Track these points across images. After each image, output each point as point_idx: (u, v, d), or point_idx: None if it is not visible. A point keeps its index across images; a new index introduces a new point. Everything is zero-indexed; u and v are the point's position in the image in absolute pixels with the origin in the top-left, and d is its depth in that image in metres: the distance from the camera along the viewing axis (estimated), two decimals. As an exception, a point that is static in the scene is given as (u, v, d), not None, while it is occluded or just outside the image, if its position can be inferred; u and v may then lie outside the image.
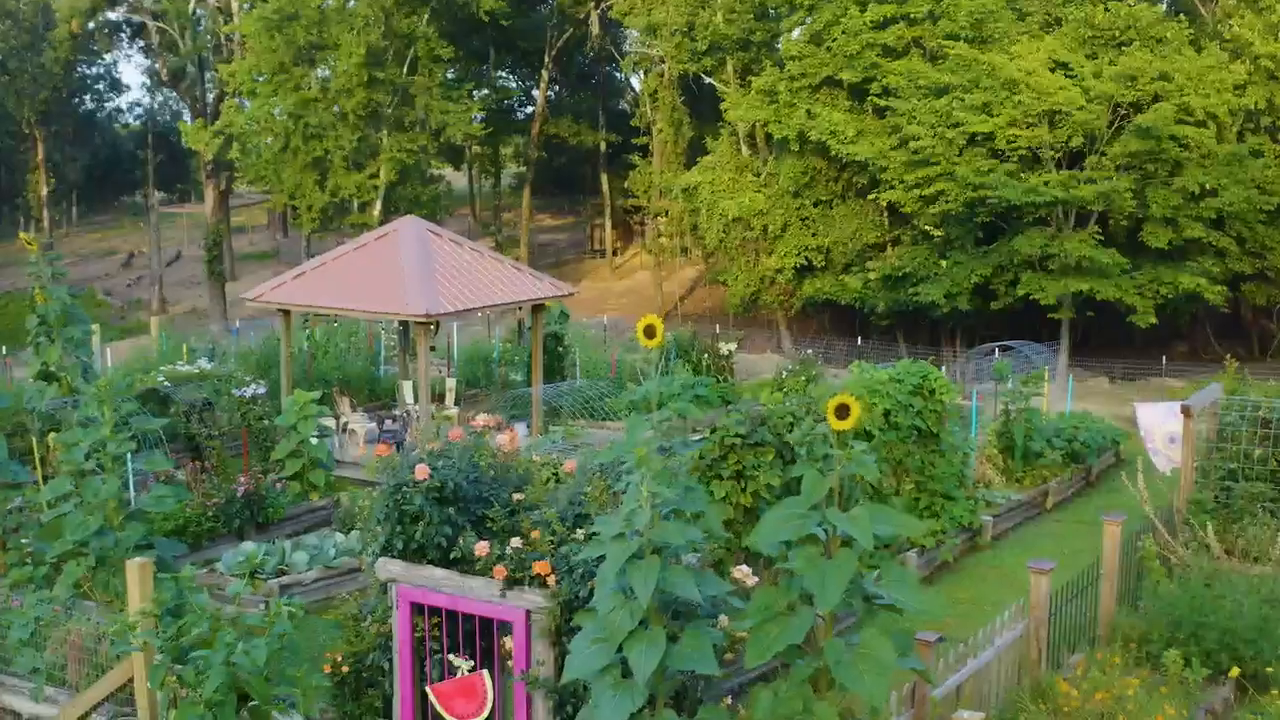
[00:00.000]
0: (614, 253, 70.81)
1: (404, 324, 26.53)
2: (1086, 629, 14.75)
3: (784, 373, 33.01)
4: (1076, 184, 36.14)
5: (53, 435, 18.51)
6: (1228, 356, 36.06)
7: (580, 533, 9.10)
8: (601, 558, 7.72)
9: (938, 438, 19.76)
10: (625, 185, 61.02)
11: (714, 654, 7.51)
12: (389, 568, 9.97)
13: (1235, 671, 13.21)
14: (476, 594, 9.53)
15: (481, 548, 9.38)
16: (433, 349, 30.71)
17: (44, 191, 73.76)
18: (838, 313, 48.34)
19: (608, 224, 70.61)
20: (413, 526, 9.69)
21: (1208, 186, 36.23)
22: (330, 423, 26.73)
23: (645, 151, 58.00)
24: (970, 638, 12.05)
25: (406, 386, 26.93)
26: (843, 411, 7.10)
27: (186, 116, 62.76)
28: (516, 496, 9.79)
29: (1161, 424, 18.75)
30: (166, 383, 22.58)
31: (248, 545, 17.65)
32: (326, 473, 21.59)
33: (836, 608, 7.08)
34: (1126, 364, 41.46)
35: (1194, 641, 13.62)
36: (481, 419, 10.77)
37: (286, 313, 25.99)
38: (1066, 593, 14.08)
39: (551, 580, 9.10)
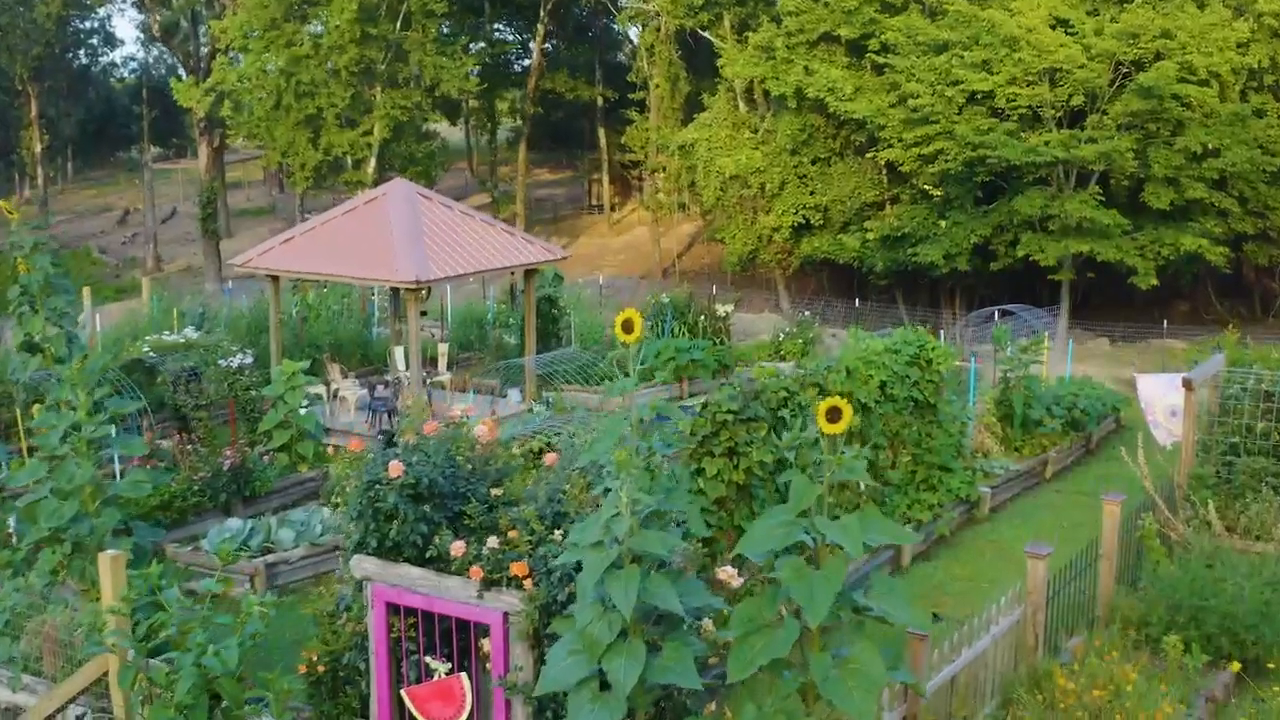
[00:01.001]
0: (612, 208, 70.37)
1: (395, 289, 26.17)
2: (1085, 609, 14.48)
3: (781, 335, 32.75)
4: (1077, 144, 35.68)
5: (36, 407, 18.24)
6: (1230, 324, 35.93)
7: (559, 533, 8.78)
8: (580, 562, 7.43)
9: (935, 408, 19.47)
10: (623, 141, 60.56)
11: (696, 666, 7.22)
12: (363, 565, 9.66)
13: (1236, 666, 12.97)
14: (453, 594, 9.22)
15: (457, 547, 9.07)
16: (424, 313, 30.37)
17: (38, 149, 73.14)
18: (836, 272, 47.97)
19: (605, 179, 70.16)
20: (387, 525, 9.37)
21: (1210, 146, 35.75)
22: (321, 390, 26.46)
23: (642, 107, 57.49)
24: (965, 624, 11.76)
25: (398, 352, 26.59)
26: (833, 415, 6.78)
27: (181, 72, 62.08)
28: (495, 492, 9.46)
29: (1162, 396, 18.44)
30: (152, 353, 22.21)
31: (233, 522, 17.35)
32: (315, 443, 21.29)
33: (825, 620, 6.78)
34: (1127, 324, 41.13)
35: (1194, 625, 13.37)
36: (458, 409, 10.42)
37: (275, 278, 25.64)
38: (1065, 575, 13.78)
39: (529, 584, 8.79)
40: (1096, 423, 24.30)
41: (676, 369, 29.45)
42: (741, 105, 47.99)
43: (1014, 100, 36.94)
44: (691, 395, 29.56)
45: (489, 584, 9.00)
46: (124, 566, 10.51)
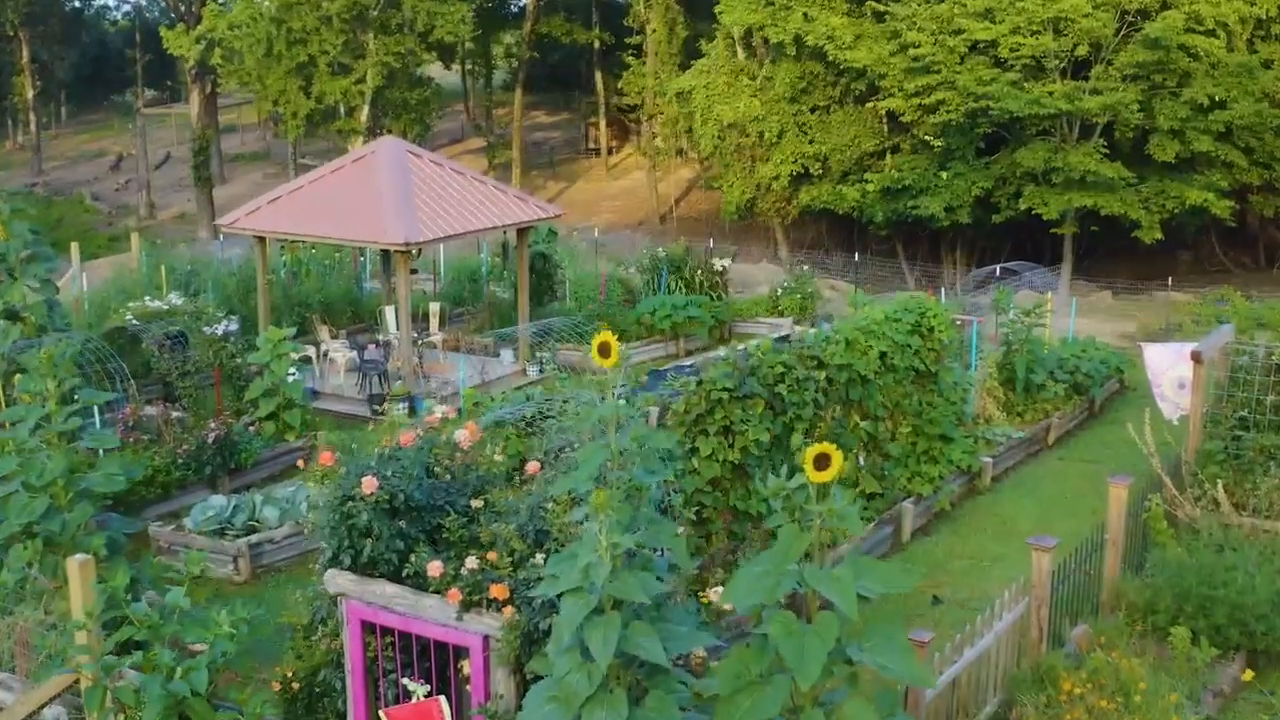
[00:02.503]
0: (609, 151, 69.65)
1: (385, 250, 25.67)
2: (1090, 594, 14.09)
3: (780, 290, 32.22)
4: (1081, 95, 34.98)
5: (18, 377, 17.82)
6: (1234, 275, 35.44)
7: (541, 556, 8.33)
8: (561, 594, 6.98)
9: (936, 376, 19.01)
10: (620, 86, 59.76)
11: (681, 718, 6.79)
12: (337, 580, 9.21)
13: (1248, 675, 12.59)
14: (431, 614, 8.79)
15: (435, 568, 8.62)
16: (414, 271, 29.87)
17: (29, 95, 72.21)
18: (835, 221, 47.34)
19: (602, 123, 69.41)
20: (361, 541, 8.92)
21: (1217, 98, 35.06)
22: (310, 352, 26.03)
23: (639, 52, 56.67)
24: (967, 625, 11.36)
25: (389, 312, 26.13)
26: (822, 462, 6.31)
27: (172, 18, 61.18)
28: (475, 503, 9.01)
29: (1170, 368, 17.96)
30: (135, 320, 21.73)
31: (217, 499, 16.93)
32: (303, 410, 20.83)
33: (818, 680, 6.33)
34: (1129, 275, 40.62)
35: (1202, 615, 12.96)
36: (439, 411, 9.94)
37: (262, 239, 25.13)
38: (1070, 563, 13.38)
39: (509, 611, 8.35)
40: (1100, 385, 23.86)
41: (673, 326, 29.01)
42: (740, 52, 47.13)
43: (1017, 50, 36.20)
44: (688, 353, 29.15)
45: (468, 606, 8.57)
46: (93, 572, 10.13)
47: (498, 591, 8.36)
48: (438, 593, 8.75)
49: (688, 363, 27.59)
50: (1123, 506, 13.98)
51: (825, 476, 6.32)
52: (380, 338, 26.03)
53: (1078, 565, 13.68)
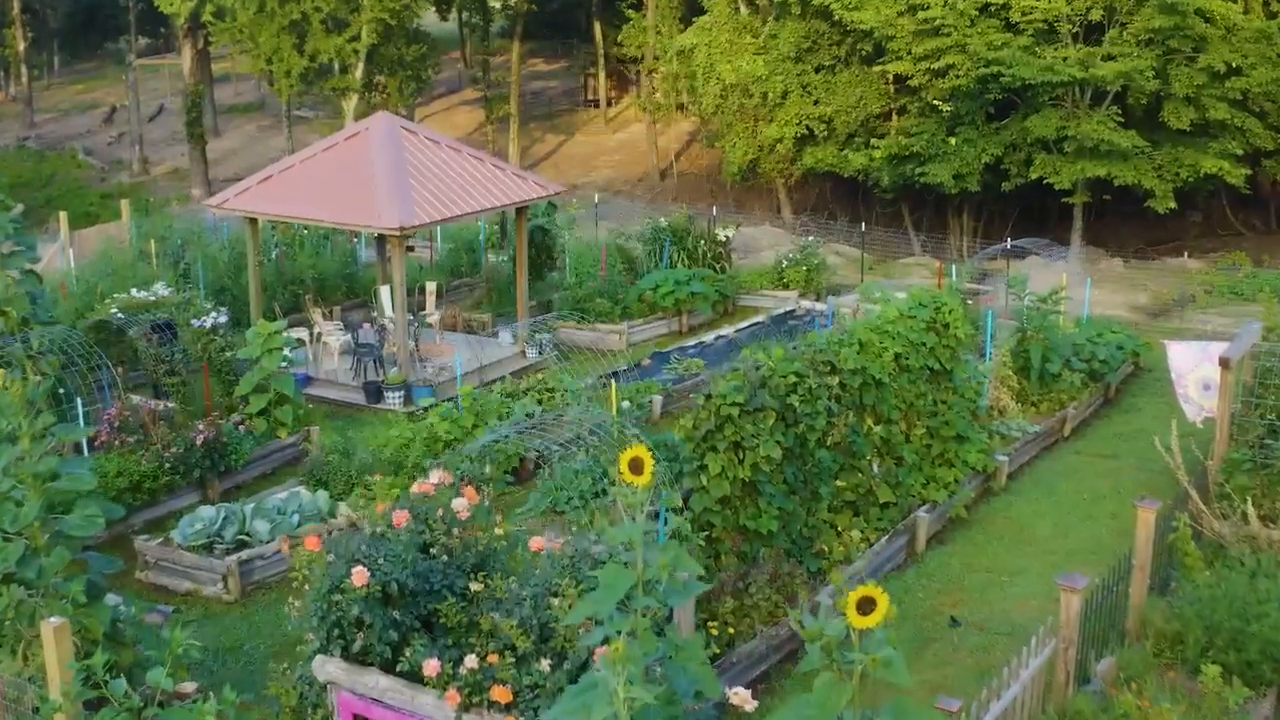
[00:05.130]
0: (608, 103, 68.60)
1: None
2: (1116, 620, 13.50)
3: (784, 262, 31.42)
4: (1095, 62, 34.03)
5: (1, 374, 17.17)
6: (1245, 238, 34.68)
7: (547, 663, 7.66)
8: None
9: (951, 373, 18.33)
10: (619, 39, 58.65)
11: None
12: (327, 669, 8.58)
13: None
14: (428, 712, 8.17)
15: (431, 667, 7.98)
16: (410, 249, 29.15)
17: (21, 47, 70.98)
18: (840, 183, 46.45)
19: (601, 75, 68.33)
20: (352, 632, 8.27)
21: (1234, 64, 34.13)
22: (303, 334, 25.34)
23: (640, 4, 55.54)
24: (992, 681, 10.76)
25: (384, 292, 25.42)
26: (866, 606, 5.64)
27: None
28: (474, 587, 8.35)
29: (1195, 368, 17.32)
30: (120, 313, 21.01)
31: (205, 511, 16.27)
32: (295, 405, 20.16)
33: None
34: (1140, 239, 39.90)
35: (1233, 649, 12.36)
36: (434, 477, 9.24)
37: (253, 220, 24.39)
38: (1097, 595, 12.79)
39: (512, 719, 7.72)
40: (1116, 370, 23.22)
41: (676, 302, 28.29)
42: (743, 9, 46.06)
43: (1029, 13, 35.22)
44: (691, 329, 28.45)
45: (467, 707, 7.95)
46: (68, 637, 9.57)
47: (500, 695, 7.73)
48: (436, 687, 8.12)
49: (691, 344, 26.95)
50: (1150, 532, 13.36)
51: (869, 622, 5.66)
52: (375, 316, 25.35)
53: (1106, 595, 13.10)
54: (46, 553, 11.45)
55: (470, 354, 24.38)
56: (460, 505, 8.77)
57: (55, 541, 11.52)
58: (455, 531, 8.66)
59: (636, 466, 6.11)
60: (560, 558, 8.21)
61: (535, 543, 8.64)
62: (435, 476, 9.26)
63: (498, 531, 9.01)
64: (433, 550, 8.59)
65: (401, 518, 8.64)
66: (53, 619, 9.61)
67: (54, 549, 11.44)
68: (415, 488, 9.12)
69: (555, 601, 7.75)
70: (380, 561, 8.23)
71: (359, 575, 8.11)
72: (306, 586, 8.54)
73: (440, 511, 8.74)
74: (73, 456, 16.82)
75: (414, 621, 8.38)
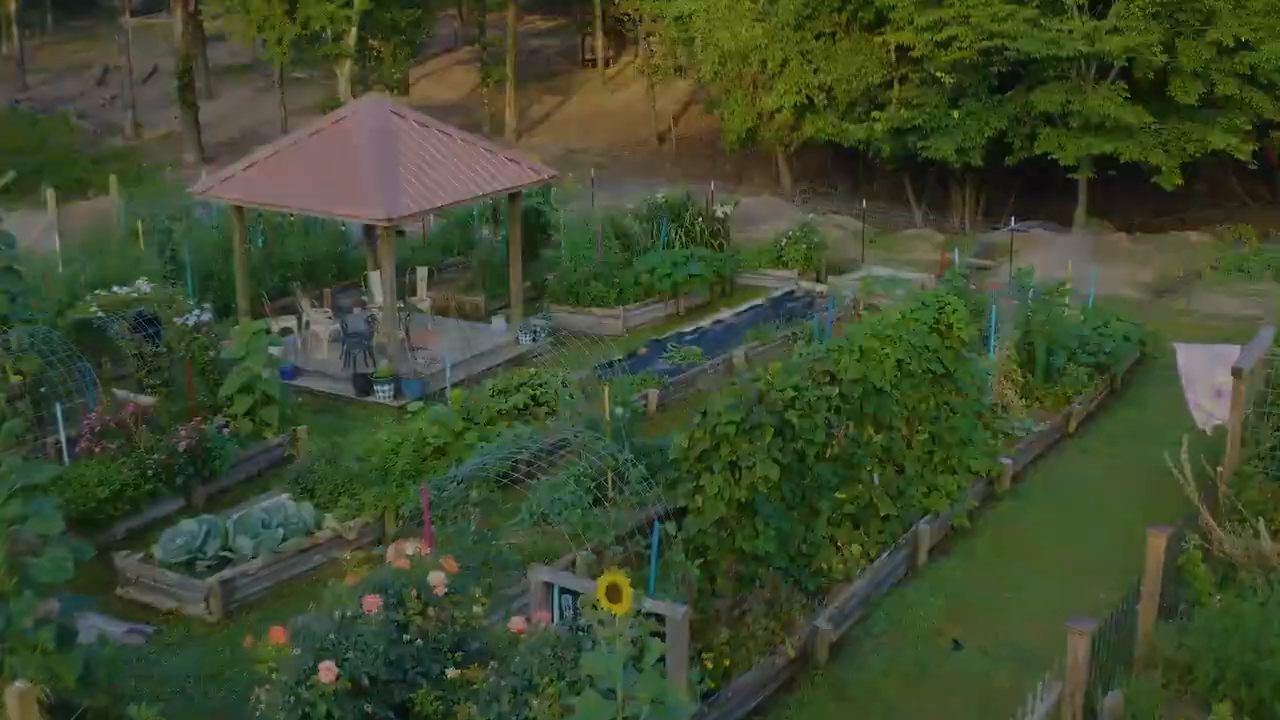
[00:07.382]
0: (606, 64, 67.74)
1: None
2: (1123, 649, 13.07)
3: (784, 240, 30.81)
4: (1102, 35, 33.27)
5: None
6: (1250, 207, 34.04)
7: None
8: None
9: (954, 375, 17.82)
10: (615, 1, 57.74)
11: None
12: (296, 761, 8.15)
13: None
14: (401, 812, 7.76)
15: (404, 771, 7.56)
16: (401, 234, 28.58)
17: (12, 7, 70.03)
18: (840, 152, 45.71)
19: (599, 34, 67.44)
20: (320, 725, 7.82)
21: (1242, 39, 33.38)
22: (291, 322, 24.87)
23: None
24: None
25: (374, 279, 24.84)
26: (614, 593, 5.17)
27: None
28: (451, 673, 7.89)
29: (1206, 373, 16.88)
30: (100, 312, 20.51)
31: (187, 526, 15.79)
32: (282, 405, 19.67)
33: None
34: (1144, 210, 39.32)
35: (1244, 685, 11.95)
36: (410, 547, 8.76)
37: (238, 208, 23.84)
38: (1105, 625, 12.38)
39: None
40: (1122, 362, 22.74)
41: (673, 285, 27.75)
42: (742, -28, 45.11)
43: (1035, -15, 34.50)
44: (688, 311, 27.91)
45: (442, 810, 7.54)
46: (33, 705, 9.15)
47: (475, 798, 7.31)
48: (408, 788, 7.70)
49: (689, 329, 26.43)
50: (1160, 558, 12.95)
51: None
52: (366, 300, 24.82)
53: (1114, 626, 12.69)
54: (14, 598, 11.01)
55: (462, 342, 23.88)
56: (437, 580, 8.28)
57: (23, 585, 11.08)
58: (430, 612, 8.18)
59: (614, 594, 5.64)
60: (541, 645, 7.73)
61: (516, 624, 8.17)
62: (410, 548, 8.78)
63: (477, 610, 8.53)
64: (408, 633, 8.11)
65: (373, 603, 8.15)
66: (17, 683, 9.16)
67: (21, 594, 11.00)
68: (390, 555, 8.62)
69: (535, 703, 7.29)
70: (350, 655, 7.75)
71: (326, 671, 7.63)
72: (274, 676, 8.06)
73: (415, 592, 8.25)
74: (52, 463, 16.41)
75: (387, 712, 7.93)
